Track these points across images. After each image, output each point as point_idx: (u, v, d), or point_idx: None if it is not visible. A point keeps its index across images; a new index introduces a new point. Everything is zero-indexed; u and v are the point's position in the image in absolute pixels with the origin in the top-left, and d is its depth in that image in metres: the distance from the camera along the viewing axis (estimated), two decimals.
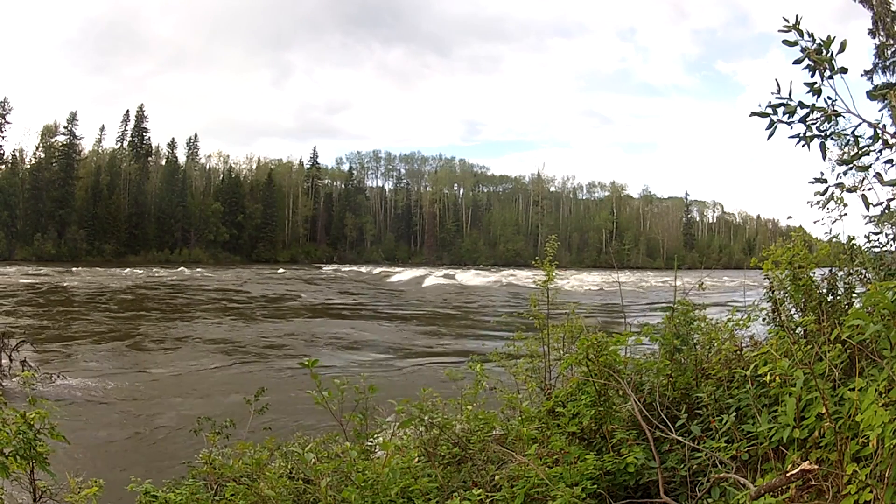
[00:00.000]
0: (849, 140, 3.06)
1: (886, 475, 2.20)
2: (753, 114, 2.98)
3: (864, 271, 3.65)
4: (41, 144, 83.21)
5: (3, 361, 12.10)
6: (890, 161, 3.17)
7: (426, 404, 3.74)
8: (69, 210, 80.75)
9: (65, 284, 39.00)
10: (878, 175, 3.16)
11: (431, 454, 3.62)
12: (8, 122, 77.89)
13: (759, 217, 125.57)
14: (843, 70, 2.86)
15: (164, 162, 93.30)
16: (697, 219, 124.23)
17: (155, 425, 10.46)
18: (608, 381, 3.52)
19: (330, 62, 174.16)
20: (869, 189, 3.23)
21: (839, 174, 3.25)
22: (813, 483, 2.56)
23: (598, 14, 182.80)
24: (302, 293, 38.35)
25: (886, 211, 3.48)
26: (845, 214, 3.59)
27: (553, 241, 5.19)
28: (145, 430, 10.21)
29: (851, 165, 3.14)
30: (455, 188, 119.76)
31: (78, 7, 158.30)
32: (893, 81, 14.39)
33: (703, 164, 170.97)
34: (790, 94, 2.95)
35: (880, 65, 15.46)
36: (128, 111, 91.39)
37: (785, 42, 2.89)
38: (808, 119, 2.97)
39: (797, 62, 2.92)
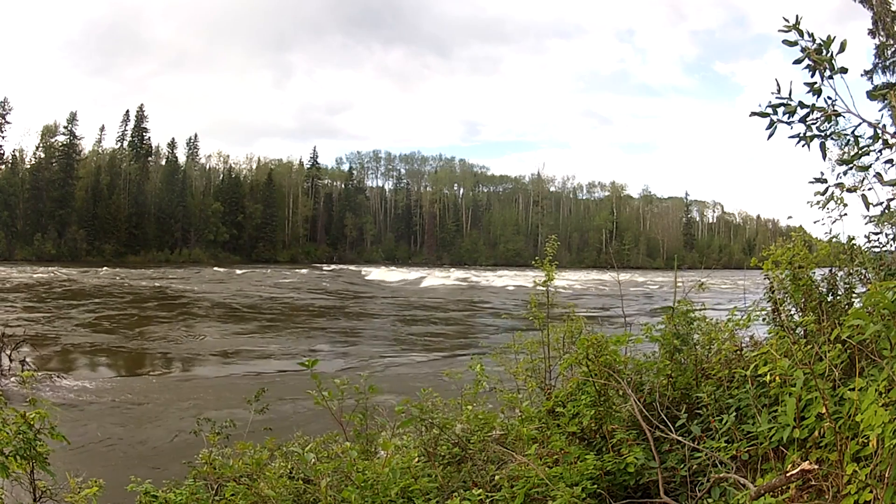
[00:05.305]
0: (849, 140, 3.06)
1: (886, 475, 2.20)
2: (754, 114, 2.98)
3: (864, 271, 3.65)
4: (41, 144, 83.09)
5: (4, 361, 12.11)
6: (890, 161, 3.17)
7: (426, 404, 3.74)
8: (69, 210, 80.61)
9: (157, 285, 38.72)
10: (878, 175, 3.16)
11: (431, 454, 3.62)
12: (8, 122, 77.89)
13: (759, 217, 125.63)
14: (843, 70, 2.86)
15: (164, 162, 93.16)
16: (697, 219, 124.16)
17: (155, 425, 10.46)
18: (608, 381, 3.52)
19: (330, 63, 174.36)
20: (869, 189, 3.23)
21: (839, 174, 3.25)
22: (813, 483, 2.56)
23: (596, 15, 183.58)
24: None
25: (886, 211, 3.47)
26: (845, 214, 3.59)
27: (553, 241, 5.18)
28: (145, 431, 10.21)
29: (851, 165, 3.14)
30: (455, 188, 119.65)
31: (79, 8, 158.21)
32: (893, 81, 14.38)
33: (703, 164, 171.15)
34: (790, 94, 2.95)
35: (880, 65, 15.45)
36: (128, 111, 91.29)
37: (785, 42, 2.89)
38: (808, 119, 2.97)
39: (797, 62, 2.92)
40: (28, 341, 14.02)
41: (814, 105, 2.94)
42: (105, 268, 57.45)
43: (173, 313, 25.58)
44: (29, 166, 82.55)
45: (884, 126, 3.02)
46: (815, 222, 3.72)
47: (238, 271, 61.59)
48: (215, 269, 66.07)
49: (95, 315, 23.86)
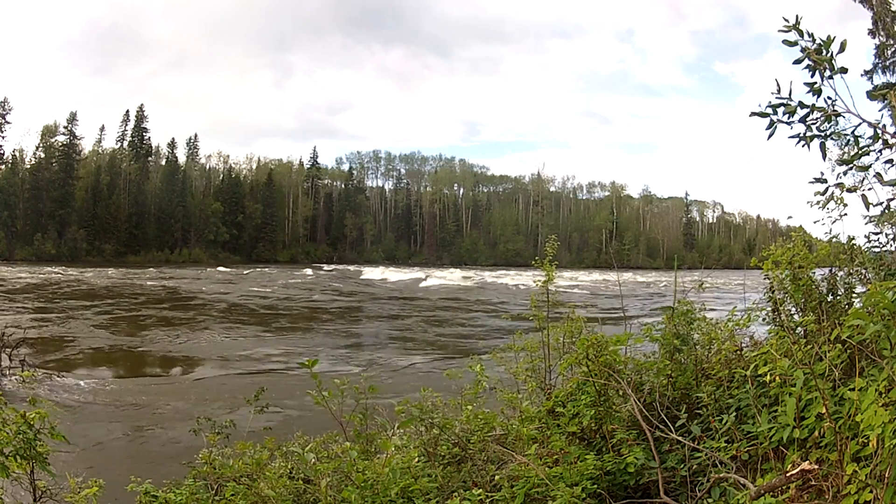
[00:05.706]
0: (849, 140, 3.06)
1: (886, 475, 2.20)
2: (754, 114, 2.98)
3: (864, 271, 3.65)
4: (41, 144, 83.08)
5: (3, 361, 12.11)
6: (890, 161, 3.16)
7: (426, 404, 3.74)
8: (69, 210, 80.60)
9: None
10: (878, 175, 3.15)
11: (431, 454, 3.62)
12: (8, 122, 77.89)
13: (759, 217, 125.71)
14: (843, 70, 2.86)
15: (164, 162, 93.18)
16: (697, 219, 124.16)
17: (155, 426, 10.46)
18: (608, 381, 3.52)
19: (331, 63, 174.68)
20: (869, 189, 3.23)
21: (839, 174, 3.25)
22: (813, 483, 2.56)
23: (596, 16, 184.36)
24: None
25: (886, 211, 3.47)
26: (845, 214, 3.59)
27: (553, 241, 5.18)
28: (145, 431, 10.21)
29: (851, 165, 3.14)
30: (455, 188, 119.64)
31: (80, 8, 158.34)
32: (893, 81, 14.38)
33: (703, 164, 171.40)
34: (790, 94, 2.94)
35: (880, 65, 15.45)
36: (128, 111, 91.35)
37: (785, 42, 2.89)
38: (808, 119, 2.97)
39: (797, 62, 2.91)
40: (44, 342, 14.00)
41: (814, 105, 2.94)
42: (111, 269, 57.52)
43: (190, 314, 25.49)
44: (29, 166, 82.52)
45: (884, 126, 3.02)
46: (815, 222, 3.72)
47: (245, 271, 61.62)
48: (220, 269, 66.10)
49: (111, 316, 23.80)
